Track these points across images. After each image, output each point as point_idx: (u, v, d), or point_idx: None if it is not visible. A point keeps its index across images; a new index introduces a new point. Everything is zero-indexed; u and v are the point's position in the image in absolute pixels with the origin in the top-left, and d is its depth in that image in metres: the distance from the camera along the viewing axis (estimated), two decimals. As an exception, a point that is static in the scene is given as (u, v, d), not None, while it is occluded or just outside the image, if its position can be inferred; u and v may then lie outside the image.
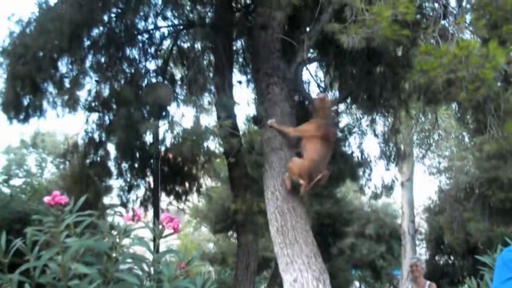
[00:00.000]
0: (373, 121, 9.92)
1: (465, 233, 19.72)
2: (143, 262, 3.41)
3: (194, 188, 10.84)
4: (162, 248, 4.05)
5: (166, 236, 3.49)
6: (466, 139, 20.77)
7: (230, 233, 22.12)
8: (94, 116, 9.32)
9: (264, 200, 6.65)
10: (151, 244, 3.48)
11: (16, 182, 19.14)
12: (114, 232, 3.29)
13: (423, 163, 25.10)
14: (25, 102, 8.14)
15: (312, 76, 9.49)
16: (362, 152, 9.77)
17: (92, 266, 3.14)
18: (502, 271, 3.29)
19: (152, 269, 3.43)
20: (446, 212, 21.48)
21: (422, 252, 28.63)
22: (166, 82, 9.01)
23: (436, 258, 26.38)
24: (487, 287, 4.94)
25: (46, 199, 3.10)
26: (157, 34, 9.57)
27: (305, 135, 6.57)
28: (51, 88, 8.17)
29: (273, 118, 6.72)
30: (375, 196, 10.64)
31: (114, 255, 3.22)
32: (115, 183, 10.29)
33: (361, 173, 9.92)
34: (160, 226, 3.45)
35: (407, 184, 21.35)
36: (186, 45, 9.63)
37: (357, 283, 37.78)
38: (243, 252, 8.28)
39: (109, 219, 3.37)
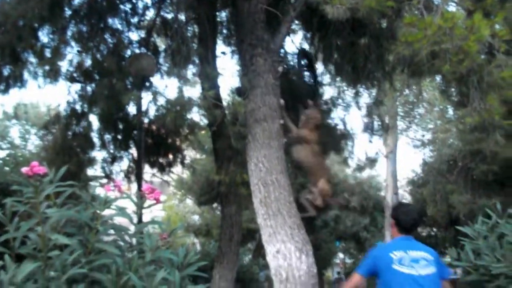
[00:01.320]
0: (357, 94, 9.91)
1: (447, 205, 19.90)
2: (124, 233, 3.39)
3: (178, 160, 10.81)
4: (146, 220, 4.03)
5: (148, 207, 3.47)
6: (450, 112, 20.89)
7: (215, 205, 22.17)
8: (76, 86, 9.21)
9: (248, 171, 6.65)
10: (134, 216, 3.47)
11: (-1, 154, 18.96)
12: (96, 203, 3.26)
13: (407, 135, 25.24)
14: (5, 72, 8.02)
15: (297, 48, 9.42)
16: (345, 124, 9.78)
17: (73, 237, 3.11)
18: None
19: (134, 240, 3.42)
20: (429, 184, 21.66)
21: (405, 224, 28.89)
22: (149, 53, 8.91)
23: (419, 229, 26.67)
24: (467, 256, 4.99)
25: (24, 169, 3.07)
26: (140, 4, 9.44)
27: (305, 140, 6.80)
28: (32, 58, 8.04)
29: (257, 89, 6.70)
30: (359, 168, 10.69)
31: (95, 226, 3.20)
32: (99, 155, 10.24)
33: (345, 145, 9.94)
34: (142, 197, 3.43)
35: (391, 157, 21.48)
36: (169, 16, 9.51)
37: (341, 255, 38.20)
38: (226, 224, 8.29)
39: (93, 191, 3.34)
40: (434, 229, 25.70)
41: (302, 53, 8.46)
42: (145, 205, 3.45)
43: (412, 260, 4.00)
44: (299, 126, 7.03)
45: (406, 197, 28.37)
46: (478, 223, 5.23)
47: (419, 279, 3.90)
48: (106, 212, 3.29)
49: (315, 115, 7.14)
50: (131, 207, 3.48)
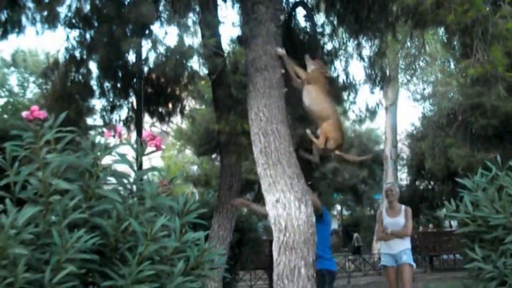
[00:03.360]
0: (359, 45, 9.80)
1: (446, 158, 20.00)
2: (125, 179, 3.39)
3: (178, 110, 10.77)
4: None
5: (148, 153, 3.46)
6: (452, 65, 20.75)
7: (214, 155, 22.24)
8: (75, 33, 9.09)
9: (248, 121, 6.62)
10: (134, 163, 3.46)
11: (-2, 102, 18.94)
12: (96, 150, 3.25)
13: (407, 88, 25.15)
14: (3, 17, 7.91)
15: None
16: (347, 75, 9.69)
17: (73, 182, 3.12)
18: None
19: (134, 186, 3.43)
20: (428, 138, 21.70)
21: (403, 177, 29.16)
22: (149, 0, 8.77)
23: (417, 183, 26.92)
24: (466, 208, 5.02)
25: (25, 113, 3.04)
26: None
27: (314, 80, 6.74)
28: (29, 3, 7.92)
29: (258, 38, 6.62)
30: (360, 120, 10.66)
31: (95, 172, 3.19)
32: (98, 103, 10.20)
33: (345, 96, 9.89)
34: (142, 144, 3.42)
35: (391, 109, 21.46)
36: (169, -38, 9.33)
37: (338, 207, 38.61)
38: (226, 173, 8.32)
39: (93, 138, 3.32)
40: (432, 183, 25.91)
41: (300, 3, 8.31)
42: (146, 152, 3.44)
43: None
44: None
45: (404, 151, 28.50)
46: (477, 175, 5.23)
47: None
48: (107, 158, 3.28)
49: (324, 67, 7.08)
50: (131, 155, 3.47)
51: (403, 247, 7.87)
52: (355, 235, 28.17)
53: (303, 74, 6.79)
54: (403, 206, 8.17)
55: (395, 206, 8.09)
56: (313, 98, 6.74)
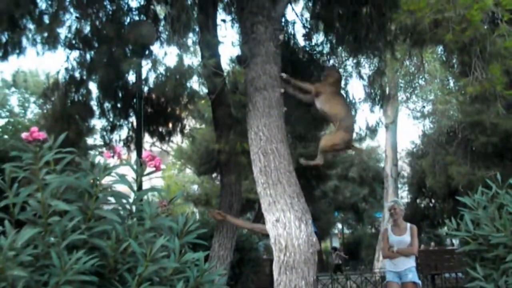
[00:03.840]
0: (358, 64, 9.85)
1: (446, 176, 19.97)
2: (124, 200, 3.39)
3: (178, 129, 10.77)
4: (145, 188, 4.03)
5: (147, 174, 3.47)
6: (451, 83, 20.83)
7: (214, 175, 22.25)
8: (75, 54, 9.12)
9: (248, 140, 6.64)
10: (133, 183, 3.46)
11: (-2, 122, 18.98)
12: (95, 170, 3.25)
13: (407, 106, 25.22)
14: (4, 38, 7.95)
15: (298, 16, 9.33)
16: (347, 94, 9.71)
17: (72, 203, 3.11)
18: None
19: (133, 207, 3.42)
20: (428, 156, 21.72)
21: (404, 195, 29.14)
22: (149, 20, 8.83)
23: (418, 201, 26.86)
24: (467, 227, 5.00)
25: (24, 135, 3.05)
26: (140, -30, 9.31)
27: (324, 91, 6.87)
28: (30, 25, 7.96)
29: (257, 58, 6.67)
30: (360, 138, 10.67)
31: (95, 192, 3.19)
32: (98, 123, 10.21)
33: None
34: (142, 164, 3.42)
35: (391, 127, 21.47)
36: (169, -17, 9.38)
37: (339, 225, 38.50)
38: (226, 193, 8.29)
39: (93, 159, 3.33)
40: (433, 200, 25.87)
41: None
42: (145, 172, 3.44)
43: None
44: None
45: (405, 168, 28.49)
46: (478, 193, 5.22)
47: None
48: (106, 179, 3.28)
49: (334, 72, 7.19)
50: (130, 175, 3.48)
51: (408, 265, 7.86)
52: (336, 252, 27.39)
53: (310, 88, 6.92)
54: (408, 224, 8.14)
55: (400, 223, 8.07)
56: (325, 105, 6.96)
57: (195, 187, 28.42)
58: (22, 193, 3.07)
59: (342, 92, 9.56)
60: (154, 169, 3.44)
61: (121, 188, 3.49)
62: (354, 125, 7.14)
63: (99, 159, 3.30)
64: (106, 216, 3.17)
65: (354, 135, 10.42)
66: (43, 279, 2.77)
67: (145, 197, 3.49)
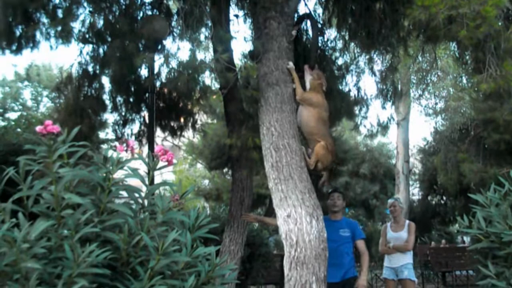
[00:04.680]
0: (370, 59, 9.81)
1: (458, 173, 19.85)
2: (137, 194, 3.40)
3: (190, 124, 10.78)
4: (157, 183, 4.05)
5: (160, 168, 3.48)
6: (464, 80, 20.70)
7: (225, 170, 22.24)
8: (88, 48, 9.15)
9: (260, 135, 6.64)
10: (145, 177, 3.48)
11: (12, 115, 19.10)
12: (108, 164, 3.27)
13: (419, 103, 25.09)
14: (18, 32, 7.97)
15: (310, 12, 9.29)
16: (359, 90, 9.69)
17: (85, 197, 3.13)
18: None
19: (146, 201, 3.44)
20: (440, 153, 21.59)
21: (415, 192, 29.02)
22: (162, 15, 8.83)
23: (429, 198, 26.77)
24: (479, 224, 4.98)
25: (38, 128, 3.07)
26: (153, -35, 9.31)
27: (309, 100, 6.76)
28: (44, 19, 7.98)
29: (270, 53, 6.66)
30: (371, 134, 10.64)
31: (108, 186, 3.21)
32: (110, 117, 10.24)
33: (357, 111, 9.88)
34: (154, 159, 3.43)
35: (403, 124, 21.38)
36: (182, -22, 9.38)
37: (350, 221, 38.37)
38: (237, 188, 8.29)
39: (106, 153, 3.34)
40: (444, 198, 25.76)
41: (306, 16, 8.31)
42: (158, 166, 3.45)
43: None
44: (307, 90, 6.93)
45: (416, 165, 28.37)
46: (490, 190, 5.19)
47: None
48: (118, 173, 3.30)
49: (320, 76, 7.01)
50: (142, 169, 3.49)
51: (404, 262, 7.89)
52: None
53: (299, 93, 6.77)
54: (407, 221, 8.23)
55: (399, 220, 8.12)
56: (305, 119, 6.77)
57: (206, 182, 28.45)
58: (36, 186, 3.08)
59: (354, 88, 9.57)
60: (166, 163, 3.45)
61: (133, 182, 3.50)
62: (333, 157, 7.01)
63: (111, 153, 3.32)
64: (118, 209, 3.18)
65: (366, 131, 10.43)
66: (57, 272, 2.79)
67: (157, 191, 3.51)
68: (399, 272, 7.91)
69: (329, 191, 7.25)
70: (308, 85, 6.93)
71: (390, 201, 8.50)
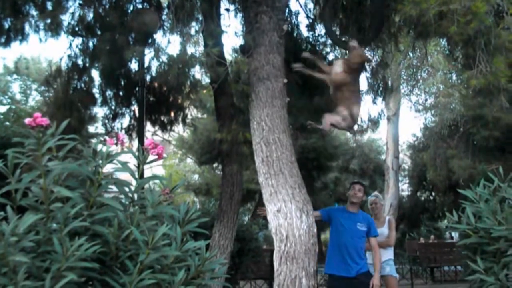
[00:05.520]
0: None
1: (447, 170, 19.98)
2: (126, 188, 3.38)
3: (180, 118, 10.75)
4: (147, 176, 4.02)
5: (150, 162, 3.46)
6: (453, 77, 20.78)
7: (215, 164, 22.24)
8: (78, 41, 9.10)
9: (250, 130, 6.62)
10: (135, 171, 3.45)
11: (0, 109, 18.97)
12: (97, 158, 3.24)
13: (409, 99, 25.16)
14: (6, 25, 7.91)
15: (302, 6, 9.29)
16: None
17: (74, 190, 3.11)
18: None
19: (135, 195, 3.41)
20: (430, 149, 21.70)
21: (405, 188, 29.11)
22: (152, 8, 8.78)
23: (418, 194, 26.89)
24: (468, 220, 5.00)
25: (27, 120, 3.04)
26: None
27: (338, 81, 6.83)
28: (33, 11, 7.92)
29: (261, 48, 6.65)
30: (361, 130, 10.66)
31: (97, 180, 3.18)
32: (100, 111, 10.19)
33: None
34: (144, 152, 3.41)
35: (393, 120, 21.41)
36: (173, -29, 9.31)
37: (339, 217, 38.52)
38: (227, 183, 8.29)
39: (95, 146, 3.31)
40: (433, 194, 25.89)
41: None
42: (148, 160, 3.43)
43: None
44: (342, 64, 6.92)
45: (406, 161, 28.47)
46: (479, 186, 5.21)
47: None
48: (108, 166, 3.28)
49: (360, 53, 6.99)
50: (132, 163, 3.47)
51: (385, 258, 7.88)
52: None
53: (327, 78, 6.90)
54: (387, 217, 8.27)
55: (379, 217, 8.14)
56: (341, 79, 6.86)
57: (196, 176, 28.44)
58: (24, 179, 3.06)
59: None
60: (156, 157, 3.42)
61: (121, 176, 3.48)
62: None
63: (101, 147, 3.29)
64: (108, 203, 3.16)
65: (356, 127, 10.44)
66: (45, 265, 2.77)
67: (147, 185, 3.49)
68: (381, 268, 7.93)
69: (354, 181, 7.18)
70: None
71: (370, 198, 8.50)
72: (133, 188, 3.40)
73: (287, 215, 5.92)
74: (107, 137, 3.36)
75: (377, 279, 6.56)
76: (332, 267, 6.64)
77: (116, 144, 3.28)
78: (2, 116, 14.44)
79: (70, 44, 9.11)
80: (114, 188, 3.38)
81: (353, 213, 6.77)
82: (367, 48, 9.44)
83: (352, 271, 6.45)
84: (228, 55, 8.14)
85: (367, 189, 7.37)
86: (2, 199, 3.04)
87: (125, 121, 10.54)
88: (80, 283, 2.79)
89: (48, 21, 7.57)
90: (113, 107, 10.16)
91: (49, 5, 7.65)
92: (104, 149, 3.26)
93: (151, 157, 3.42)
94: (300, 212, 5.95)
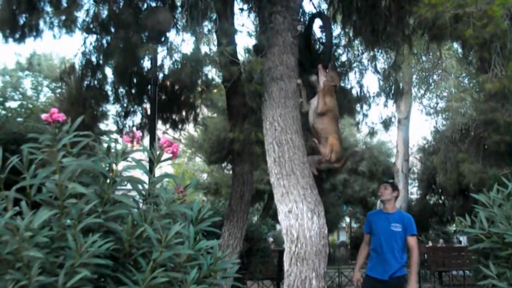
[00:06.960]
0: (374, 57, 9.79)
1: (457, 174, 19.89)
2: (140, 185, 3.38)
3: (191, 117, 10.75)
4: (157, 174, 4.01)
5: (164, 160, 3.45)
6: (466, 80, 20.69)
7: (224, 164, 22.27)
8: (92, 38, 9.12)
9: (262, 130, 6.62)
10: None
11: (12, 104, 19.06)
12: (111, 155, 3.24)
13: (421, 102, 25.09)
14: (21, 21, 7.94)
15: (315, 8, 9.26)
16: (361, 87, 9.67)
17: (88, 187, 3.11)
18: None
19: (149, 193, 3.41)
20: (440, 152, 21.62)
21: (414, 191, 29.02)
22: (166, 7, 8.79)
23: (427, 197, 26.81)
24: (481, 224, 4.96)
25: (44, 116, 3.04)
26: (158, -43, 9.26)
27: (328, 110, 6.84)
28: (48, 7, 7.94)
29: (274, 48, 6.64)
30: (372, 132, 10.64)
31: (111, 177, 3.18)
32: (112, 108, 10.21)
33: (358, 108, 9.86)
34: (159, 150, 3.40)
35: (403, 122, 21.36)
36: (186, -30, 9.32)
37: (347, 219, 38.44)
38: (238, 182, 8.27)
39: (105, 144, 3.30)
40: (443, 197, 25.79)
41: (317, 14, 8.28)
42: (162, 158, 3.43)
43: None
44: (320, 95, 6.90)
45: (416, 164, 28.38)
46: (493, 191, 5.18)
47: None
48: (122, 163, 3.27)
49: (335, 77, 7.05)
50: (145, 161, 3.47)
51: None
52: None
53: (321, 107, 6.85)
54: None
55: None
56: (319, 120, 6.89)
57: (205, 176, 28.48)
58: (39, 174, 3.06)
59: (357, 85, 9.55)
60: (171, 155, 3.42)
61: (134, 173, 3.48)
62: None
63: (115, 144, 3.29)
64: (122, 200, 3.16)
65: (367, 129, 10.42)
66: (59, 261, 2.77)
67: (160, 183, 3.48)
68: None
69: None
70: (321, 85, 6.91)
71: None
72: (146, 186, 3.40)
73: (298, 216, 5.91)
74: (117, 135, 3.36)
75: (413, 285, 6.40)
76: (369, 267, 6.72)
77: (132, 141, 3.28)
78: (14, 112, 14.51)
79: (84, 41, 9.13)
80: (128, 186, 3.38)
81: (388, 213, 6.74)
82: (379, 50, 9.43)
83: (386, 274, 6.41)
84: (240, 56, 8.13)
85: (396, 185, 7.26)
86: (17, 194, 3.04)
87: (137, 119, 10.55)
88: (93, 279, 2.79)
89: (63, 17, 7.59)
90: (125, 105, 10.17)
91: (64, 2, 7.66)
92: (118, 146, 3.26)
93: (165, 155, 3.42)
94: (312, 213, 5.93)
